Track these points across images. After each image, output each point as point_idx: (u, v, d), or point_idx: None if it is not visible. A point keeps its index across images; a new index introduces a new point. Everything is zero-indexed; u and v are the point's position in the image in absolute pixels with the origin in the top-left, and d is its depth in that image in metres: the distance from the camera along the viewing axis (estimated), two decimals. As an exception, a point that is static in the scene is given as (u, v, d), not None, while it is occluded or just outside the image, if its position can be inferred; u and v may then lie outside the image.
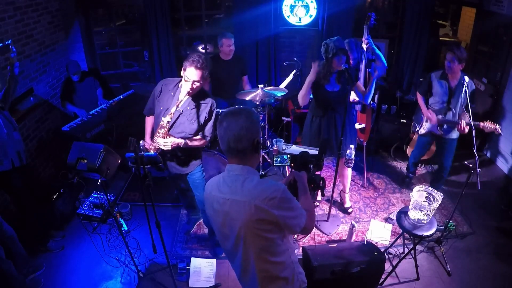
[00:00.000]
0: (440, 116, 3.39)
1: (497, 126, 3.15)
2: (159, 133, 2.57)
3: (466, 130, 3.19)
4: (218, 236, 1.64)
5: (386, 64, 3.52)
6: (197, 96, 2.56)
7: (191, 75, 2.38)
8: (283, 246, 1.53)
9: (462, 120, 3.18)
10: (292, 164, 1.86)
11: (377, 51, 3.46)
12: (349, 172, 3.50)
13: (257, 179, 1.49)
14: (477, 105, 3.14)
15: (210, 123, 2.67)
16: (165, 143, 2.53)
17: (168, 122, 2.52)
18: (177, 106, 2.48)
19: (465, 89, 3.06)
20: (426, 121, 3.51)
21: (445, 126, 3.40)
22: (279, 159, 1.92)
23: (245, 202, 1.43)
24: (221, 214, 1.52)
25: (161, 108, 2.61)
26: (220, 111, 3.85)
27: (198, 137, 2.68)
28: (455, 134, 3.42)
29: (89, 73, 4.43)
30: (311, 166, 1.83)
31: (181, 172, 2.86)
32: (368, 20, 3.45)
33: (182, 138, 2.60)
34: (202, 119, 2.61)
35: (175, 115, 2.57)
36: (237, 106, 1.16)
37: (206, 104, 2.60)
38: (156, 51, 4.95)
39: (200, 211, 3.39)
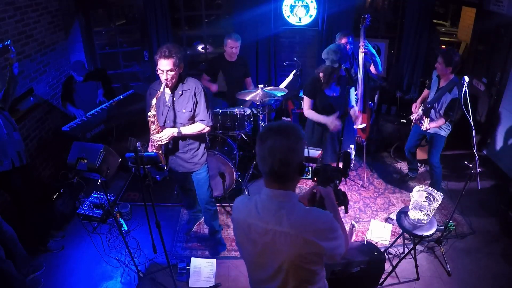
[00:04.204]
0: (421, 109, 3.53)
1: (425, 123, 3.28)
2: (152, 130, 2.61)
3: (424, 127, 3.30)
4: (249, 264, 1.50)
5: (380, 70, 3.71)
6: (178, 85, 2.60)
7: (162, 65, 2.43)
8: (321, 274, 1.45)
9: (426, 119, 3.30)
10: (315, 178, 1.70)
11: (375, 54, 3.51)
12: None
13: (302, 207, 1.35)
14: (454, 115, 3.27)
15: (201, 106, 2.66)
16: (161, 137, 2.59)
17: (154, 115, 2.56)
18: (156, 98, 2.52)
19: (465, 89, 3.06)
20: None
21: (421, 118, 3.53)
22: None
23: (293, 235, 1.29)
24: (259, 244, 1.37)
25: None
26: (220, 111, 3.88)
27: (195, 124, 2.70)
28: (442, 132, 3.47)
29: (94, 73, 4.43)
30: (337, 181, 1.70)
31: (188, 170, 2.88)
32: (363, 21, 3.48)
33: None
34: (190, 105, 2.63)
35: (165, 111, 2.62)
36: (281, 121, 1.05)
37: (190, 90, 2.61)
38: (156, 51, 4.94)
39: (201, 211, 3.39)
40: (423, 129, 3.34)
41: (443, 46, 6.24)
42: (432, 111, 3.43)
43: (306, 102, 3.22)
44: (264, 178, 1.38)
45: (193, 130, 2.68)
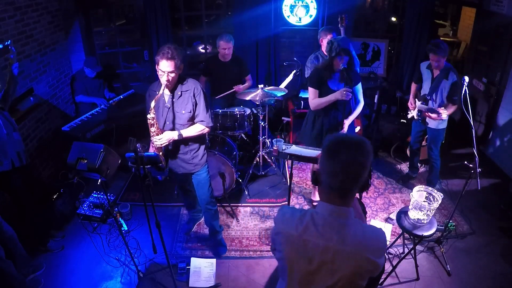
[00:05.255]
0: (419, 103, 3.56)
1: (443, 112, 3.26)
2: (151, 132, 2.61)
3: (445, 116, 3.30)
4: (295, 281, 1.38)
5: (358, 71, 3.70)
6: (177, 86, 2.60)
7: (164, 67, 2.42)
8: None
9: (441, 109, 3.28)
10: None
11: (355, 57, 3.55)
12: None
13: (362, 224, 1.33)
14: (459, 98, 3.27)
15: (201, 107, 2.65)
16: (160, 139, 2.57)
17: (153, 118, 2.55)
18: (155, 101, 2.51)
19: (465, 89, 3.07)
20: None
21: (423, 110, 3.54)
22: None
23: (356, 253, 1.26)
24: (316, 262, 1.30)
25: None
26: (220, 111, 3.88)
27: (195, 125, 2.69)
28: (441, 125, 3.53)
29: (103, 71, 4.48)
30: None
31: (188, 171, 2.87)
32: (342, 21, 3.49)
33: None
34: (190, 107, 2.62)
35: (164, 112, 2.62)
36: (351, 134, 0.99)
37: (189, 91, 2.61)
38: (156, 51, 4.94)
39: (201, 211, 3.39)
40: (444, 117, 3.32)
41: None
42: (431, 102, 3.47)
43: (311, 93, 3.14)
44: (326, 193, 1.30)
45: (193, 132, 2.67)
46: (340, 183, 1.24)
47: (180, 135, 2.61)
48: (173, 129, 2.66)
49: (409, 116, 3.79)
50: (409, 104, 3.74)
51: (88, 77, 4.22)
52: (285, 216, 1.37)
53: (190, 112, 2.63)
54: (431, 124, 3.57)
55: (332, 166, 1.24)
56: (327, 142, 1.28)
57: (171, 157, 2.82)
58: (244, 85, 4.19)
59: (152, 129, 2.59)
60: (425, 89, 3.53)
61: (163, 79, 2.46)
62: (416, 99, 3.66)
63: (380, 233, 1.32)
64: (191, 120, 2.69)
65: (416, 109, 3.64)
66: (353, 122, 3.38)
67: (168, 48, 2.41)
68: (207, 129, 2.73)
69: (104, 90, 4.50)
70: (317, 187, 3.74)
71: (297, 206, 3.81)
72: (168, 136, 2.59)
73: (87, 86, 4.26)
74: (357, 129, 3.79)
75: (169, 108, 2.62)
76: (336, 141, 1.26)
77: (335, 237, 1.27)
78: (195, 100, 2.63)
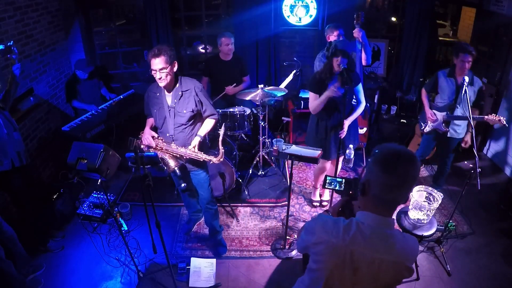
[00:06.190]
0: (445, 113, 3.36)
1: (502, 118, 3.12)
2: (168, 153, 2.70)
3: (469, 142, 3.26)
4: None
5: (370, 62, 3.72)
6: (175, 86, 2.61)
7: (154, 65, 2.44)
8: None
9: (495, 116, 3.13)
10: (351, 192, 1.62)
11: (367, 44, 3.54)
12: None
13: (402, 233, 1.34)
14: (485, 102, 3.23)
15: (207, 103, 2.70)
16: (194, 147, 2.67)
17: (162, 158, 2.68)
18: (156, 104, 2.63)
19: (465, 89, 3.07)
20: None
21: (454, 121, 3.35)
22: (332, 183, 1.67)
23: (398, 263, 1.29)
24: (361, 272, 1.29)
25: (155, 111, 2.70)
26: (220, 111, 3.88)
27: (207, 121, 2.76)
28: (460, 135, 3.39)
29: (95, 71, 4.47)
30: None
31: (188, 169, 2.89)
32: (358, 18, 3.48)
33: (183, 130, 2.70)
34: (191, 106, 2.64)
35: (165, 112, 2.65)
36: (402, 147, 0.94)
37: (190, 90, 2.62)
38: (156, 51, 4.95)
39: (200, 211, 3.39)
40: (505, 123, 3.13)
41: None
42: (457, 110, 3.28)
43: (312, 97, 3.14)
44: (375, 204, 1.30)
45: (209, 128, 2.76)
46: (394, 196, 1.26)
47: (201, 137, 2.69)
48: (173, 128, 2.67)
49: (428, 129, 3.52)
50: (429, 116, 3.42)
51: (81, 79, 4.13)
52: (327, 225, 1.33)
53: (192, 111, 2.64)
54: (455, 133, 3.38)
55: (388, 179, 1.24)
56: (382, 155, 1.27)
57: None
58: (238, 86, 4.21)
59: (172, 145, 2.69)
60: (446, 98, 3.32)
61: (157, 78, 2.48)
62: (434, 111, 3.41)
63: (416, 241, 1.36)
64: (192, 119, 2.70)
65: (441, 121, 3.38)
66: (357, 122, 3.38)
67: (155, 47, 2.45)
68: (216, 120, 2.82)
69: (101, 89, 4.45)
70: (320, 188, 3.75)
71: (297, 206, 3.81)
72: (197, 143, 2.67)
73: (81, 89, 4.17)
74: (364, 130, 3.78)
75: (170, 108, 2.62)
76: (392, 155, 1.25)
77: (382, 247, 1.28)
78: (199, 98, 2.65)
